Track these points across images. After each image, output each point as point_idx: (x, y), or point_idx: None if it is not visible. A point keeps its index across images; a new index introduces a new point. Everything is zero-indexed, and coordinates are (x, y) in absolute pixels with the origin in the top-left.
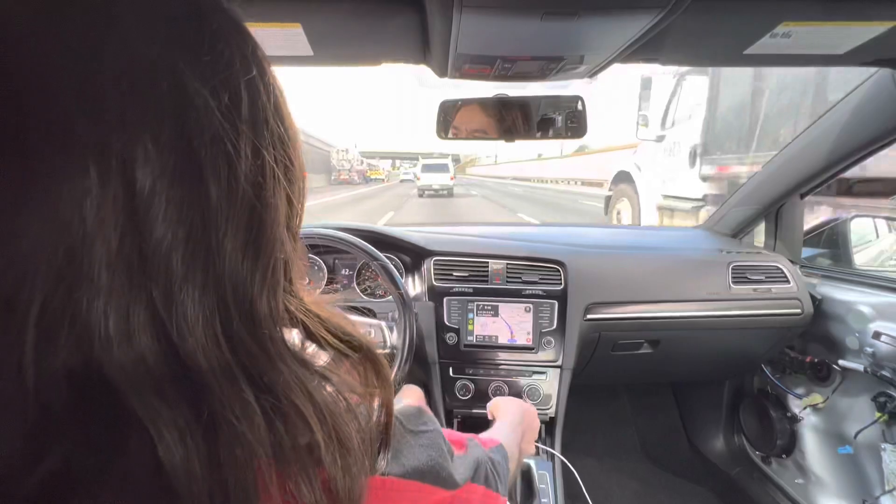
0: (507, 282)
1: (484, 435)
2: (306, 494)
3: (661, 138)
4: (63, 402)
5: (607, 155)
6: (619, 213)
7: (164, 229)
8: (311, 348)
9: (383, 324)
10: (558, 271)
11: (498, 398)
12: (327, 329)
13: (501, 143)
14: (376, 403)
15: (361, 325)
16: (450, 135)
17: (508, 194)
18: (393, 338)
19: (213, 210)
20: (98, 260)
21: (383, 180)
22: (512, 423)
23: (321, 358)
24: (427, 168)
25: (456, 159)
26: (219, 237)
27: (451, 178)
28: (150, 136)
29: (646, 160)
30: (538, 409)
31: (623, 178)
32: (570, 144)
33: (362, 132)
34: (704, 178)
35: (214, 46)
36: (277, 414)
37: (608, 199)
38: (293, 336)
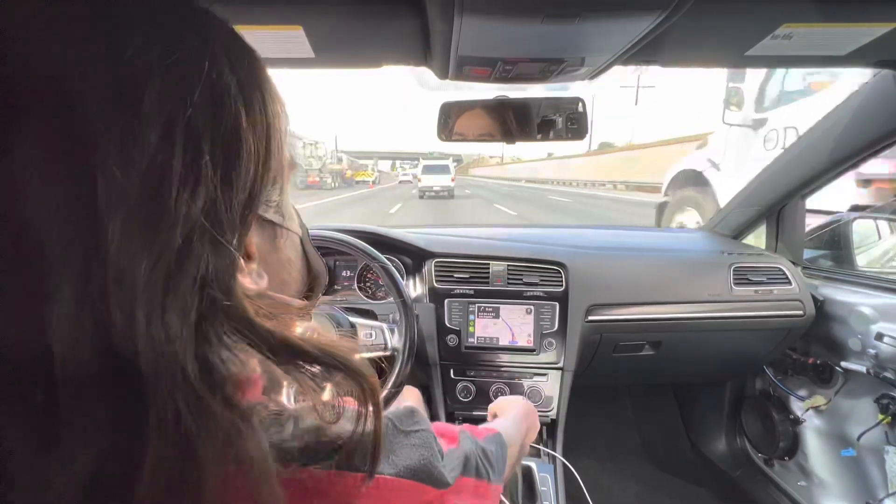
0: (508, 283)
1: (482, 426)
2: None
3: (759, 123)
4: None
5: (653, 152)
6: (681, 225)
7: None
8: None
9: (384, 325)
10: (559, 273)
11: (501, 398)
12: (308, 342)
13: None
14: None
15: (362, 328)
16: (451, 137)
17: (541, 204)
18: (394, 339)
19: (138, 189)
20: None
21: (371, 183)
22: (515, 417)
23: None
24: (427, 169)
25: (458, 160)
26: (157, 219)
27: (452, 180)
28: (136, 129)
29: (731, 155)
30: (539, 411)
31: (688, 180)
32: (594, 141)
33: (362, 132)
34: (865, 182)
35: (199, 53)
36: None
37: (662, 206)
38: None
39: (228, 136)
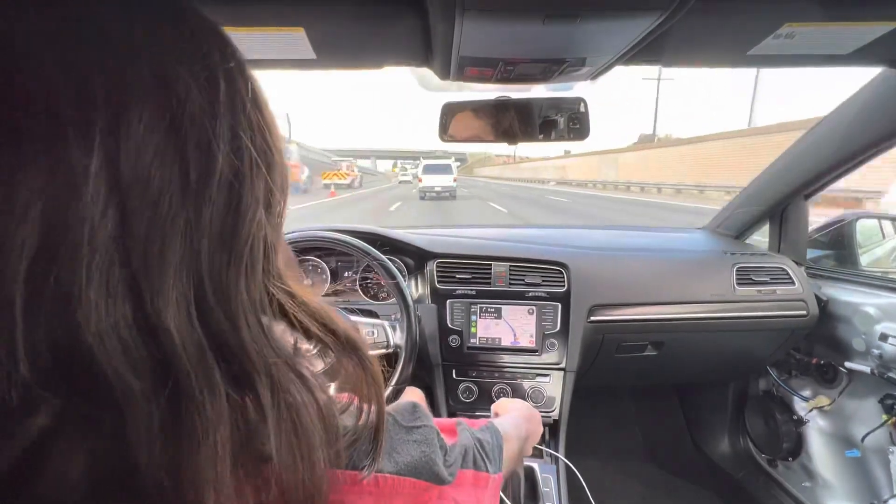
0: (510, 284)
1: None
2: (252, 483)
3: None
4: (48, 369)
5: (717, 146)
6: None
7: (144, 205)
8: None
9: (386, 323)
10: (561, 273)
11: (504, 399)
12: (311, 317)
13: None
14: (368, 405)
15: (364, 326)
16: (452, 137)
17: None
18: (396, 337)
19: (191, 189)
20: (82, 230)
21: (332, 190)
22: (516, 416)
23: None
24: (428, 169)
25: (461, 159)
26: (197, 212)
27: (454, 180)
28: (133, 115)
29: None
30: (542, 412)
31: None
32: (631, 135)
33: (360, 128)
34: None
35: (192, 39)
36: (241, 392)
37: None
38: (287, 335)
39: (267, 144)
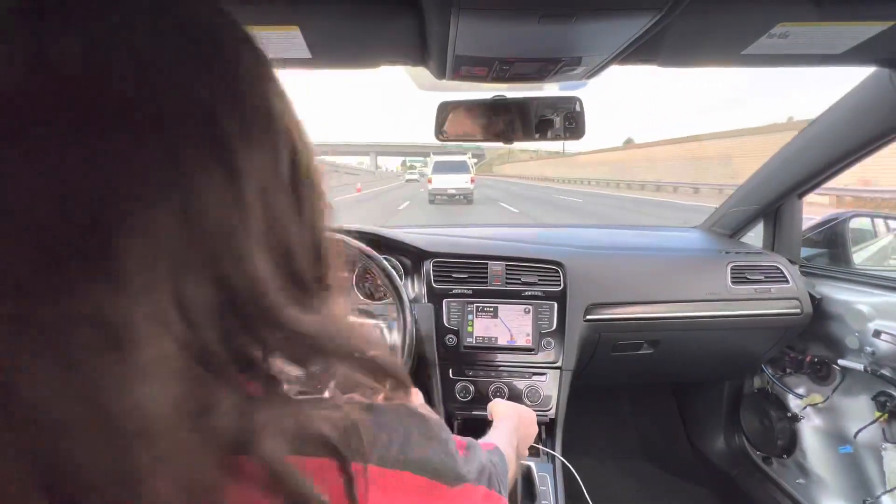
0: (507, 283)
1: (480, 440)
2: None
3: None
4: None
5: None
6: None
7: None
8: None
9: (382, 324)
10: (557, 272)
11: (497, 400)
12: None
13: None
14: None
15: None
16: (448, 136)
17: None
18: (392, 336)
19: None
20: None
21: None
22: (508, 428)
23: None
24: (440, 167)
25: (478, 155)
26: (275, 223)
27: (471, 181)
28: (205, 168)
29: None
30: (538, 411)
31: None
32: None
33: (362, 121)
34: None
35: (229, 64)
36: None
37: None
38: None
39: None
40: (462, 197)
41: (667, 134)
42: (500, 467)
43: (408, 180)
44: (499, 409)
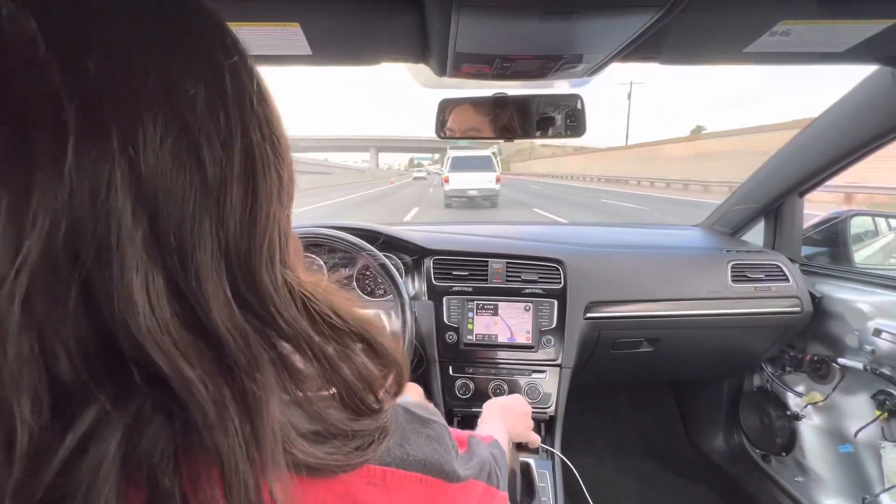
0: (507, 281)
1: (478, 431)
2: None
3: None
4: (76, 372)
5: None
6: None
7: (171, 204)
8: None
9: (381, 312)
10: (557, 270)
11: (493, 399)
12: (320, 309)
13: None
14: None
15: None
16: (449, 133)
17: None
18: (393, 323)
19: (211, 188)
20: (115, 237)
21: None
22: (495, 417)
23: None
24: (458, 164)
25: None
26: (220, 210)
27: (497, 180)
28: (146, 121)
29: None
30: (538, 408)
31: None
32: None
33: (369, 117)
34: None
35: (196, 36)
36: (281, 367)
37: None
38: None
39: (277, 129)
40: (486, 200)
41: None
42: (500, 460)
43: (415, 178)
44: (489, 402)
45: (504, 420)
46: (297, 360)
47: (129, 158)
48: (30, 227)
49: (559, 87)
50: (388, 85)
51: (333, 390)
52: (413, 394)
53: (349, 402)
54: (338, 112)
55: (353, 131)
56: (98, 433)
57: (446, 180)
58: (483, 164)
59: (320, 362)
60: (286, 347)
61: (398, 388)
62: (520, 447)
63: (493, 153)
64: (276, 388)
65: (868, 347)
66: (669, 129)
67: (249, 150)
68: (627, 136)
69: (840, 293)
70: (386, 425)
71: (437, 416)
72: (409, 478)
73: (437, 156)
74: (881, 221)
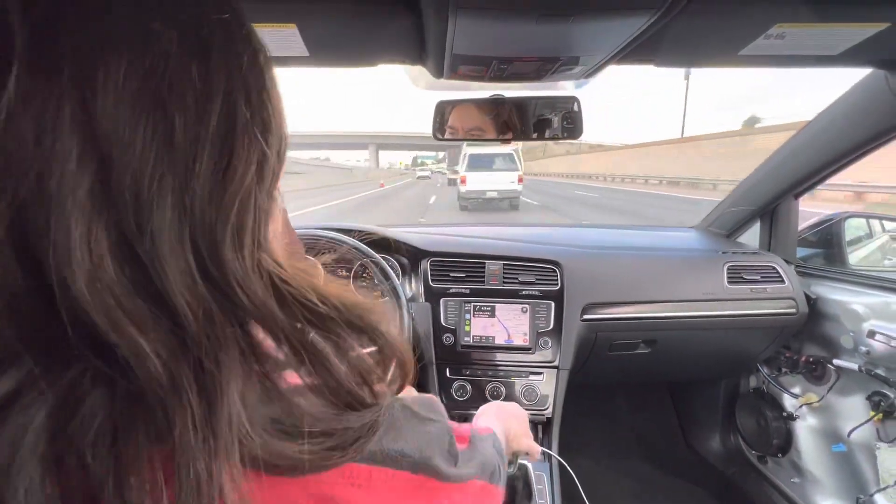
0: (504, 282)
1: (477, 426)
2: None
3: None
4: (9, 330)
5: None
6: None
7: (128, 156)
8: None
9: None
10: (555, 272)
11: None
12: (311, 292)
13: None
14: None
15: None
16: (446, 135)
17: None
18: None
19: (177, 147)
20: (56, 182)
21: None
22: (490, 414)
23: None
24: (476, 162)
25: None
26: (186, 172)
27: (519, 181)
28: (107, 60)
29: None
30: (535, 410)
31: None
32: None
33: (369, 113)
34: None
35: None
36: (249, 351)
37: None
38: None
39: (265, 106)
40: (506, 201)
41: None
42: (502, 455)
43: (419, 177)
44: (483, 407)
45: (502, 420)
46: (272, 347)
47: (81, 98)
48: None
49: (561, 87)
50: (390, 81)
51: (311, 380)
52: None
53: (335, 395)
54: (336, 108)
55: (352, 128)
56: (23, 402)
57: (463, 180)
58: (504, 163)
59: (296, 350)
60: (260, 333)
61: (402, 382)
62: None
63: (515, 150)
64: (238, 373)
65: (863, 349)
66: (714, 121)
67: (231, 113)
68: (683, 128)
69: (835, 295)
70: (375, 421)
71: (440, 415)
72: (399, 476)
73: (441, 154)
74: (875, 223)
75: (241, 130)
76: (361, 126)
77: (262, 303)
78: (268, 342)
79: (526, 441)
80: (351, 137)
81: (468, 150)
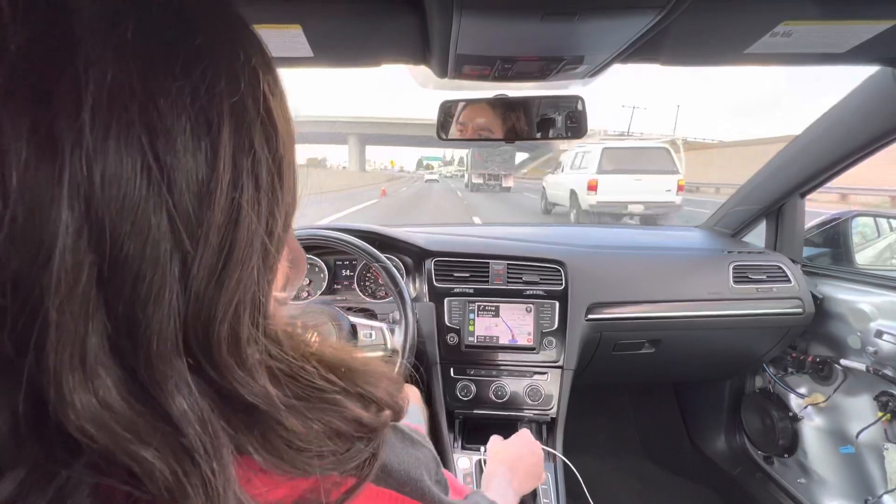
0: (508, 282)
1: (483, 490)
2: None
3: None
4: (7, 433)
5: None
6: None
7: (127, 241)
8: None
9: (384, 326)
10: (559, 271)
11: (497, 441)
12: (296, 372)
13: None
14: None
15: (362, 327)
16: (450, 135)
17: None
18: (394, 340)
19: (178, 227)
20: (55, 276)
21: None
22: (504, 474)
23: None
24: (616, 161)
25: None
26: (188, 255)
27: (679, 189)
28: (112, 143)
29: None
30: (539, 410)
31: None
32: None
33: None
34: None
35: (195, 67)
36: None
37: None
38: None
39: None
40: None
41: None
42: None
43: (427, 180)
44: (496, 449)
45: (513, 478)
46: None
47: (85, 176)
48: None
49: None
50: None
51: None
52: (412, 397)
53: (337, 436)
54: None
55: (323, 111)
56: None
57: (593, 186)
58: (654, 163)
59: (297, 419)
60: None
61: (395, 419)
62: None
63: (669, 144)
64: (234, 478)
65: (870, 349)
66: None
67: (236, 191)
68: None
69: (842, 294)
70: (373, 455)
71: (428, 443)
72: (382, 494)
73: (449, 155)
74: (883, 222)
75: (247, 207)
76: (339, 109)
77: (260, 391)
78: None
79: (534, 483)
80: (322, 124)
81: (604, 143)
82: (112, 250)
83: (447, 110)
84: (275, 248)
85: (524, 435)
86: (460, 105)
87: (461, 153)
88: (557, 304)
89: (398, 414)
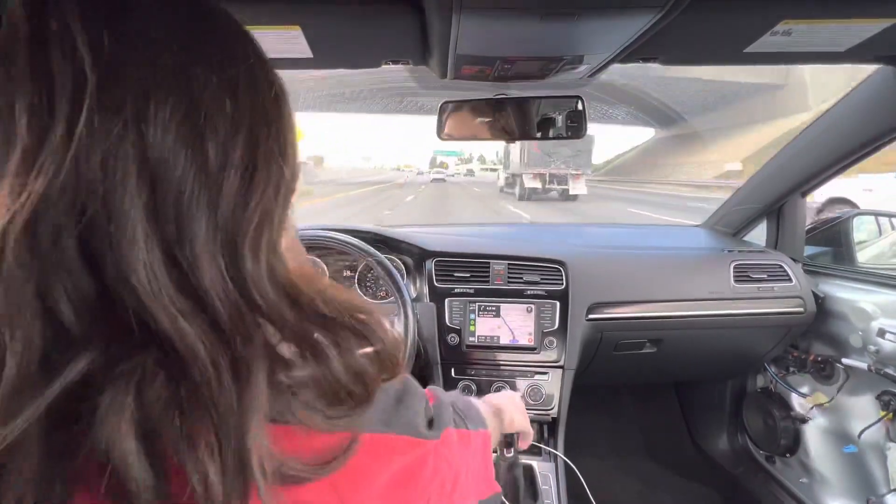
0: (509, 282)
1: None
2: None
3: None
4: (77, 321)
5: None
6: None
7: (172, 178)
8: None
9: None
10: (559, 271)
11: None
12: (305, 298)
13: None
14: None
15: None
16: (451, 136)
17: None
18: (395, 328)
19: (210, 168)
20: (121, 200)
21: None
22: (485, 403)
23: None
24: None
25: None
26: (216, 195)
27: None
28: (158, 98)
29: None
30: (540, 410)
31: None
32: None
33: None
34: None
35: (217, 37)
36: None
37: None
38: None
39: (283, 138)
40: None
41: None
42: (465, 403)
43: (433, 179)
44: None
45: (495, 399)
46: (284, 350)
47: (138, 131)
48: (35, 174)
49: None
50: None
51: (311, 374)
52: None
53: (332, 390)
54: None
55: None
56: (109, 384)
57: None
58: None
59: (301, 347)
60: (274, 338)
61: (392, 377)
62: (509, 445)
63: None
64: (264, 363)
65: (872, 348)
66: None
67: (254, 142)
68: None
69: (843, 293)
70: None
71: (416, 390)
72: (395, 440)
73: (468, 152)
74: (884, 221)
75: (261, 157)
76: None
77: (274, 303)
78: (281, 345)
79: (520, 419)
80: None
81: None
82: (156, 183)
83: (448, 111)
84: (287, 183)
85: (507, 391)
86: (460, 105)
87: (481, 150)
88: (558, 303)
89: (396, 367)
